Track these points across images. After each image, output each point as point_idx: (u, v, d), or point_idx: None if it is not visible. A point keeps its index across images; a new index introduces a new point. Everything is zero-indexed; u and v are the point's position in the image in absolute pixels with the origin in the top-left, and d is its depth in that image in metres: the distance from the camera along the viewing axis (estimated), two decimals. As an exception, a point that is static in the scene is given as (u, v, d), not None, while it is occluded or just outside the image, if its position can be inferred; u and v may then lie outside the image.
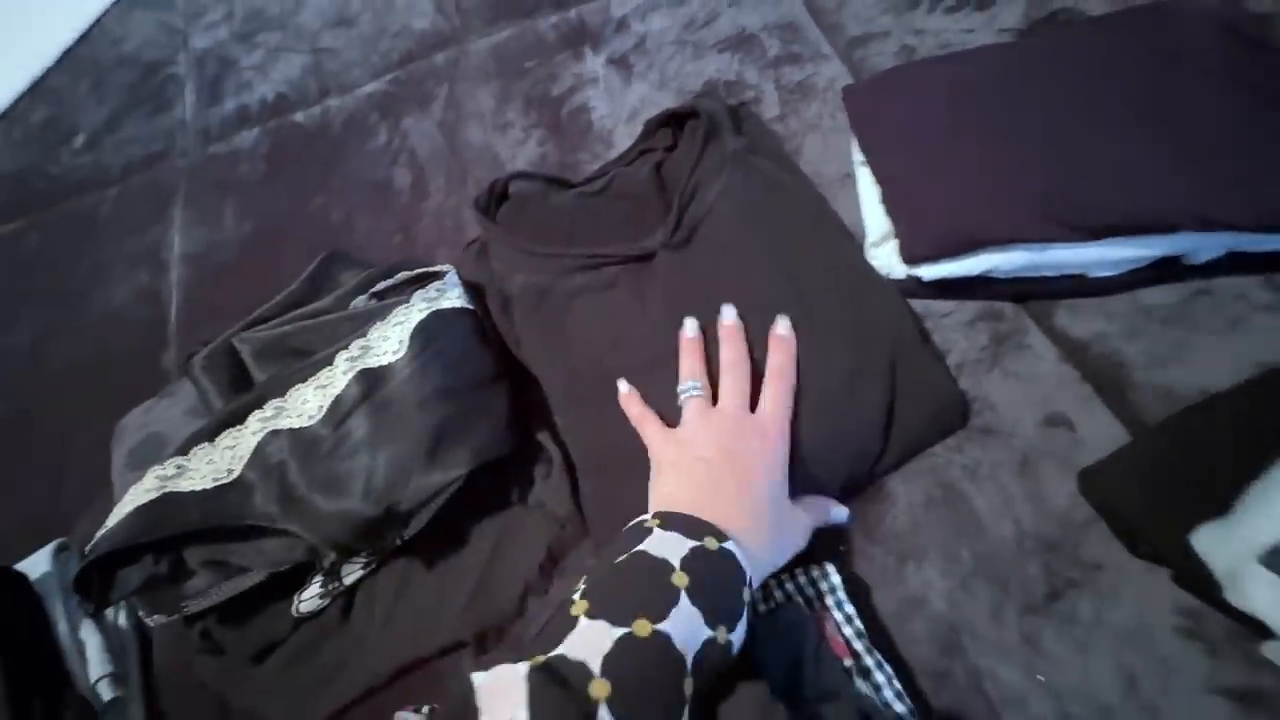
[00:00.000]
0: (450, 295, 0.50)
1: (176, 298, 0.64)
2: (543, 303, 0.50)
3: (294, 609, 0.45)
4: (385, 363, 0.45)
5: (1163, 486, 0.37)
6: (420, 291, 0.49)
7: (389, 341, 0.46)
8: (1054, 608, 0.38)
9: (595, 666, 0.27)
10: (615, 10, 0.69)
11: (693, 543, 0.32)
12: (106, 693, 0.44)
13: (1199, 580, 0.35)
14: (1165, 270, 0.44)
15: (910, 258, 0.45)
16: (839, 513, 0.41)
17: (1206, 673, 0.35)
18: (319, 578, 0.46)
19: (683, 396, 0.43)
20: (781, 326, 0.44)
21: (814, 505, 0.40)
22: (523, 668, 0.27)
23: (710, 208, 0.50)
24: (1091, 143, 0.43)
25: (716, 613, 0.30)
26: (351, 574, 0.46)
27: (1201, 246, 0.42)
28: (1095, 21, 0.51)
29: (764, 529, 0.36)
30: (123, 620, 0.49)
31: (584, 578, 0.33)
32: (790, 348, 0.43)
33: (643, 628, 0.28)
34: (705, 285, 0.47)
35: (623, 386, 0.45)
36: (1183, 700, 0.34)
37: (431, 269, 0.51)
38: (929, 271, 0.45)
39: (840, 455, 0.41)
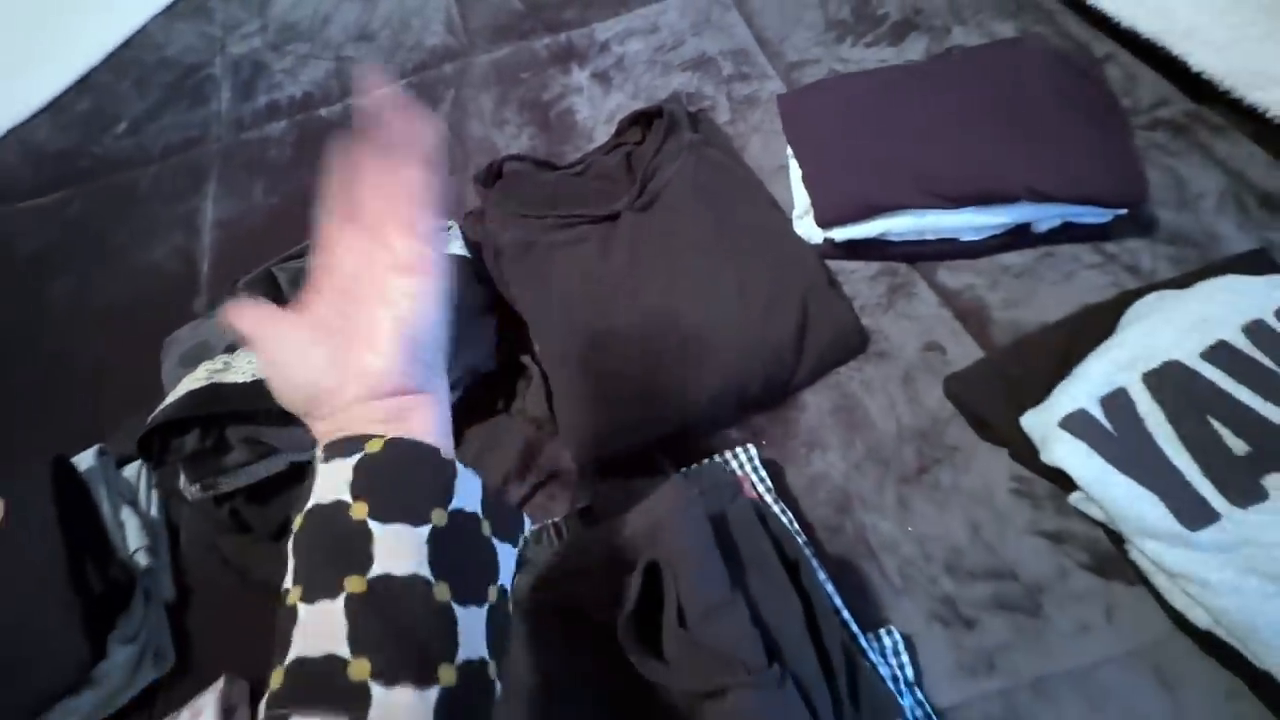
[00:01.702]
0: (454, 245, 0.60)
1: (209, 255, 0.73)
2: (528, 254, 0.60)
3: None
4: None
5: (1002, 385, 0.49)
6: (428, 240, 0.60)
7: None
8: (922, 479, 0.48)
9: (344, 650, 0.24)
10: (599, 35, 0.82)
11: (352, 460, 0.26)
12: (143, 560, 0.52)
13: (1026, 451, 0.46)
14: (1019, 238, 0.57)
15: (822, 223, 0.57)
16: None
17: (1031, 519, 0.45)
18: (332, 469, 0.54)
19: None
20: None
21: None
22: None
23: (668, 182, 0.62)
24: (955, 136, 0.56)
25: (421, 503, 0.26)
26: (359, 468, 0.55)
27: (1040, 216, 0.55)
28: (968, 50, 0.65)
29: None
30: (154, 510, 0.57)
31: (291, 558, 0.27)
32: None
33: (357, 584, 0.24)
34: (660, 240, 0.59)
35: None
36: (1012, 540, 0.45)
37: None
38: (838, 234, 0.57)
39: (757, 365, 0.52)
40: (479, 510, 0.28)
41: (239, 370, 0.52)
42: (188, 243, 0.75)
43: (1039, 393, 0.47)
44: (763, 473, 0.47)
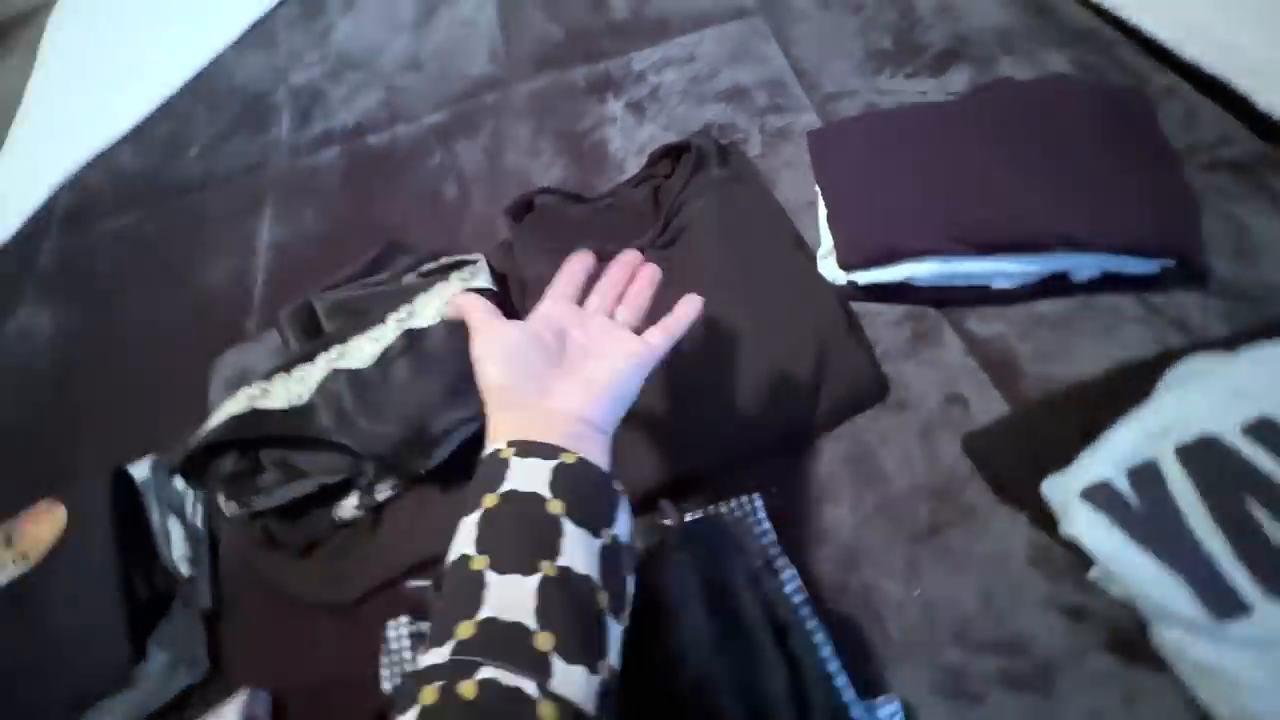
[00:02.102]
0: (480, 278, 0.62)
1: (261, 277, 0.78)
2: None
3: (335, 515, 0.56)
4: (425, 325, 0.58)
5: (1025, 446, 0.47)
6: (457, 273, 0.62)
7: (429, 309, 0.59)
8: (933, 540, 0.47)
9: (532, 622, 0.27)
10: (636, 65, 0.83)
11: (552, 463, 0.31)
12: (184, 568, 0.56)
13: (1046, 519, 0.44)
14: (1056, 286, 0.54)
15: (844, 265, 0.56)
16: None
17: (1048, 592, 0.43)
18: (357, 493, 0.57)
19: None
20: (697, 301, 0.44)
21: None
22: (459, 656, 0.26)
23: (691, 219, 0.62)
24: (987, 179, 0.54)
25: (598, 518, 0.31)
26: (382, 493, 0.57)
27: (1078, 265, 0.53)
28: (1008, 85, 0.62)
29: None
30: (199, 521, 0.61)
31: (461, 527, 0.31)
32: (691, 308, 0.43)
33: (550, 569, 0.28)
34: (679, 280, 0.58)
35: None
36: (1027, 612, 0.43)
37: (467, 257, 0.64)
38: (861, 277, 0.56)
39: (770, 412, 0.51)
40: (629, 541, 0.33)
41: (277, 396, 0.55)
42: (243, 265, 0.80)
43: (1064, 457, 0.44)
44: (766, 525, 0.47)
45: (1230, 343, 0.47)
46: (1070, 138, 0.54)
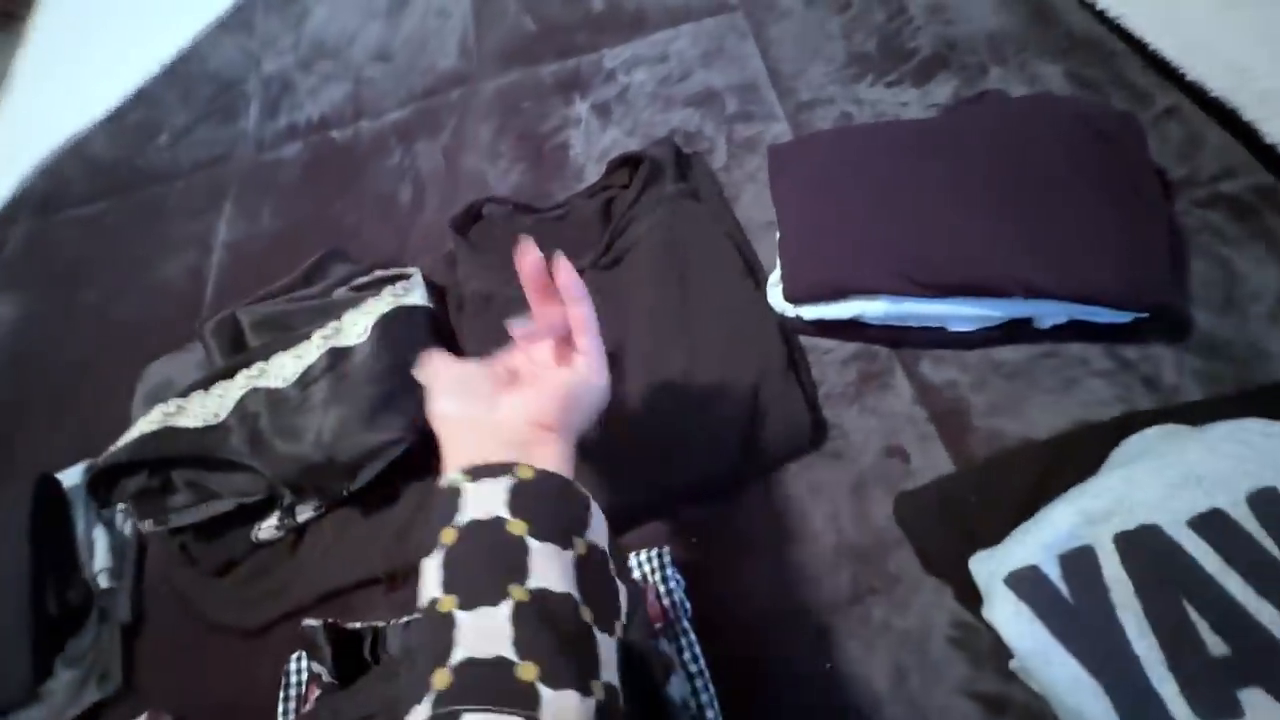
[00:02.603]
0: (414, 294, 0.60)
1: (214, 277, 0.77)
2: (487, 308, 0.59)
3: (253, 535, 0.55)
4: (351, 343, 0.56)
5: (959, 514, 0.43)
6: (390, 288, 0.60)
7: (357, 327, 0.57)
8: (852, 610, 0.43)
9: (511, 654, 0.25)
10: (607, 63, 0.79)
11: (506, 481, 0.30)
12: (104, 581, 0.56)
13: (973, 596, 0.40)
14: (1019, 330, 0.50)
15: (790, 298, 0.52)
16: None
17: (966, 677, 0.40)
18: (277, 513, 0.56)
19: None
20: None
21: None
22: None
23: (637, 239, 0.59)
24: (947, 217, 0.49)
25: (566, 530, 0.29)
26: (304, 514, 0.56)
27: (1041, 312, 0.48)
28: (987, 106, 0.57)
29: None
30: (129, 530, 0.60)
31: (425, 570, 0.29)
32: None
33: (521, 594, 0.27)
34: (616, 305, 0.55)
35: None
36: (941, 698, 0.40)
37: (402, 271, 0.61)
38: (807, 312, 0.52)
39: (696, 455, 0.48)
40: (607, 548, 0.31)
41: (192, 414, 0.54)
42: (199, 262, 0.78)
43: (998, 530, 0.41)
44: (673, 582, 0.44)
45: (1200, 411, 0.42)
46: (1046, 170, 0.49)
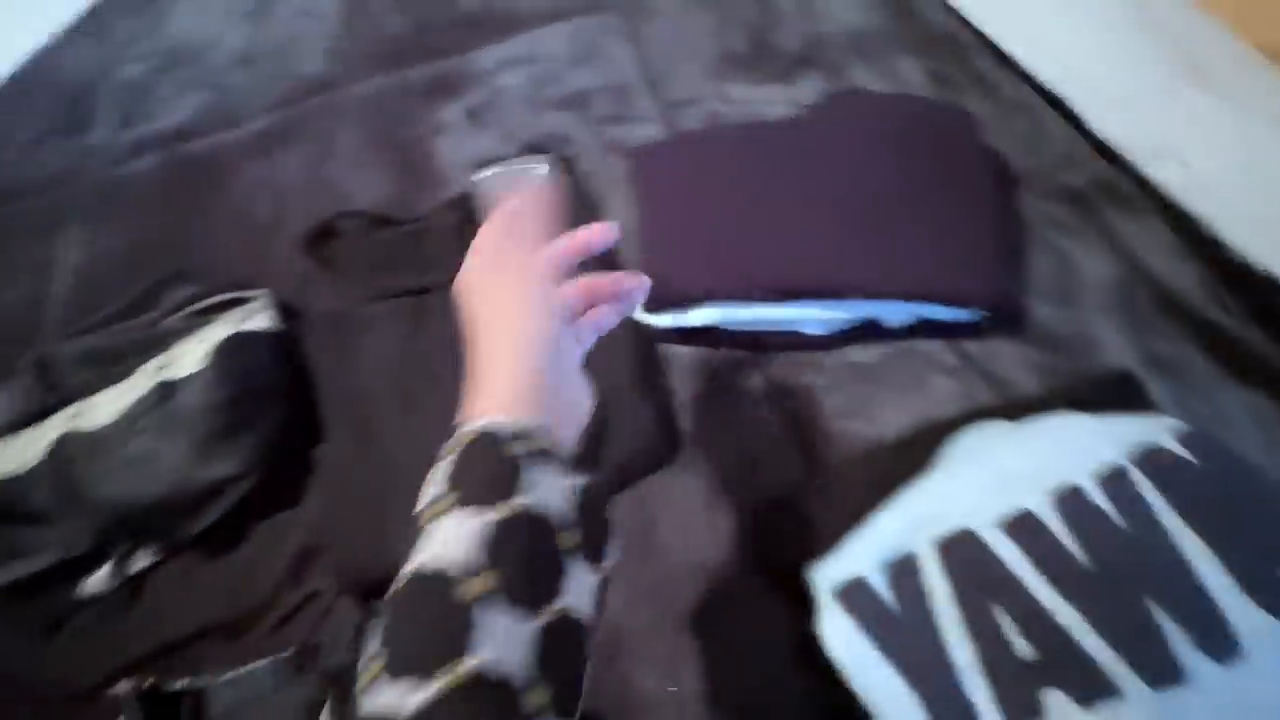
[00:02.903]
0: (258, 318, 0.56)
1: (56, 303, 0.71)
2: (337, 328, 0.56)
3: (78, 591, 0.51)
4: (182, 375, 0.51)
5: (803, 523, 0.42)
6: (228, 314, 0.56)
7: (188, 358, 0.52)
8: (701, 627, 0.42)
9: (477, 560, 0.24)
10: (479, 64, 0.76)
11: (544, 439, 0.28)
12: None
13: (812, 609, 0.39)
14: (872, 331, 0.49)
15: (644, 306, 0.51)
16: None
17: (813, 693, 0.39)
18: (109, 565, 0.51)
19: None
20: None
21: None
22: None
23: (494, 252, 0.56)
24: (793, 221, 0.48)
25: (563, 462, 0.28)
26: (139, 563, 0.52)
27: (887, 313, 0.48)
28: (836, 107, 0.56)
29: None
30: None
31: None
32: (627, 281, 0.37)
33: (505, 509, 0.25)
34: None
35: None
36: (784, 714, 0.39)
37: (244, 294, 0.57)
38: (659, 320, 0.51)
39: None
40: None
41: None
42: (39, 289, 0.72)
43: (840, 538, 0.40)
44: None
45: (1033, 405, 0.43)
46: (885, 172, 0.49)
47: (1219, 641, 0.30)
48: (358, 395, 0.53)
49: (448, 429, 0.49)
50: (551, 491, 0.27)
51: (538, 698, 0.23)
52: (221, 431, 0.50)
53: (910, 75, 0.63)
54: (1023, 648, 0.33)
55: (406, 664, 0.22)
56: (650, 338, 0.52)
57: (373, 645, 0.23)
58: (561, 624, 0.24)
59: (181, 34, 0.90)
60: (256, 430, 0.52)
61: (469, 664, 0.22)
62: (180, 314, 0.56)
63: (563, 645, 0.24)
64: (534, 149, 0.64)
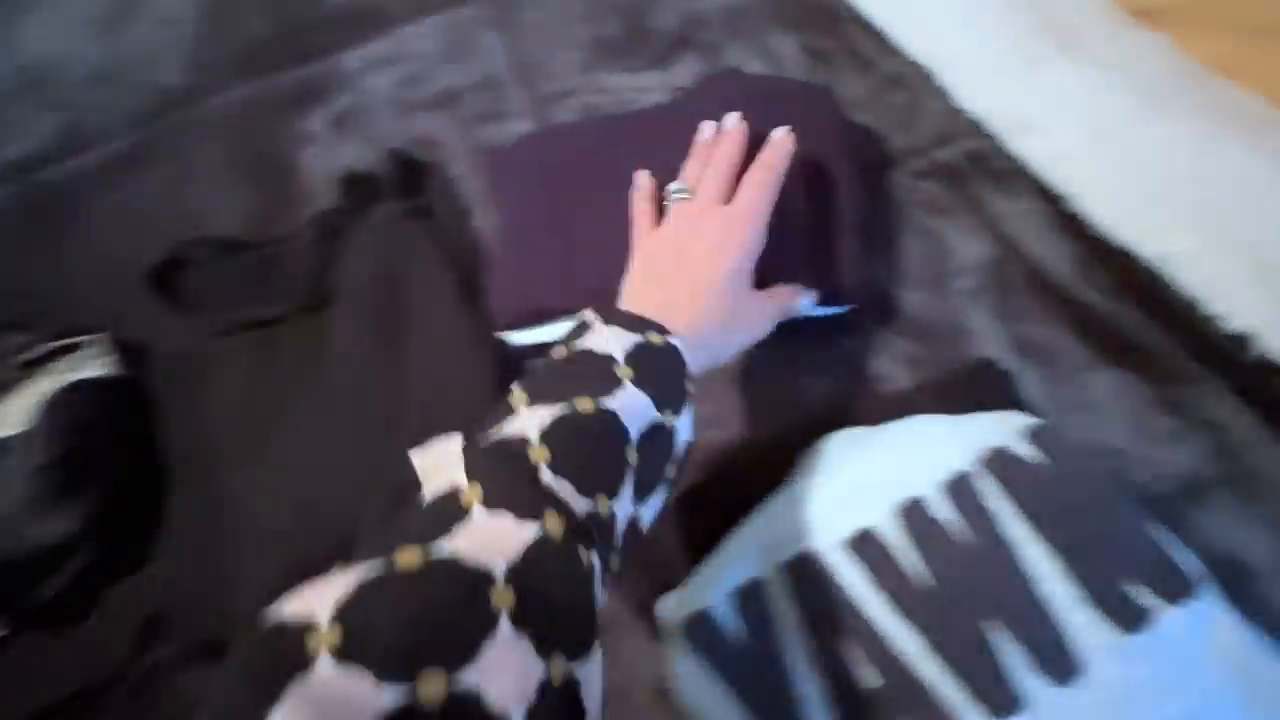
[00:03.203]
0: (92, 365, 0.52)
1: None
2: (182, 368, 0.52)
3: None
4: (5, 435, 0.47)
5: (658, 549, 0.39)
6: (60, 362, 0.52)
7: (13, 415, 0.48)
8: (562, 667, 0.40)
9: (534, 437, 0.26)
10: (346, 66, 0.71)
11: (636, 337, 0.31)
12: None
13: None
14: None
15: (497, 323, 0.47)
16: (805, 303, 0.42)
17: (670, 731, 0.37)
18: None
19: (671, 198, 0.41)
20: (780, 131, 0.41)
21: (779, 294, 0.40)
22: (456, 442, 0.27)
23: (345, 274, 0.53)
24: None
25: (664, 399, 0.30)
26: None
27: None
28: (693, 95, 0.52)
29: (712, 320, 0.35)
30: None
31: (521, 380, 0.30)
32: (784, 150, 0.40)
33: (585, 404, 0.28)
34: (319, 356, 0.49)
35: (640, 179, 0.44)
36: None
37: (77, 340, 0.53)
38: (515, 337, 0.48)
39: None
40: (687, 439, 0.33)
41: None
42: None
43: (695, 562, 0.38)
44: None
45: (899, 403, 0.41)
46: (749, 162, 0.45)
47: (1059, 663, 0.28)
48: (203, 442, 0.49)
49: (299, 477, 0.45)
50: (610, 339, 0.30)
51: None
52: (54, 493, 0.46)
53: (786, 52, 0.59)
54: (870, 677, 0.31)
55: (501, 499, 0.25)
56: (511, 355, 0.49)
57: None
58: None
59: (31, 52, 0.83)
60: (93, 489, 0.48)
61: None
62: (7, 365, 0.52)
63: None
64: (400, 156, 0.60)
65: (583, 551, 0.25)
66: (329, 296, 0.52)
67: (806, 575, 0.33)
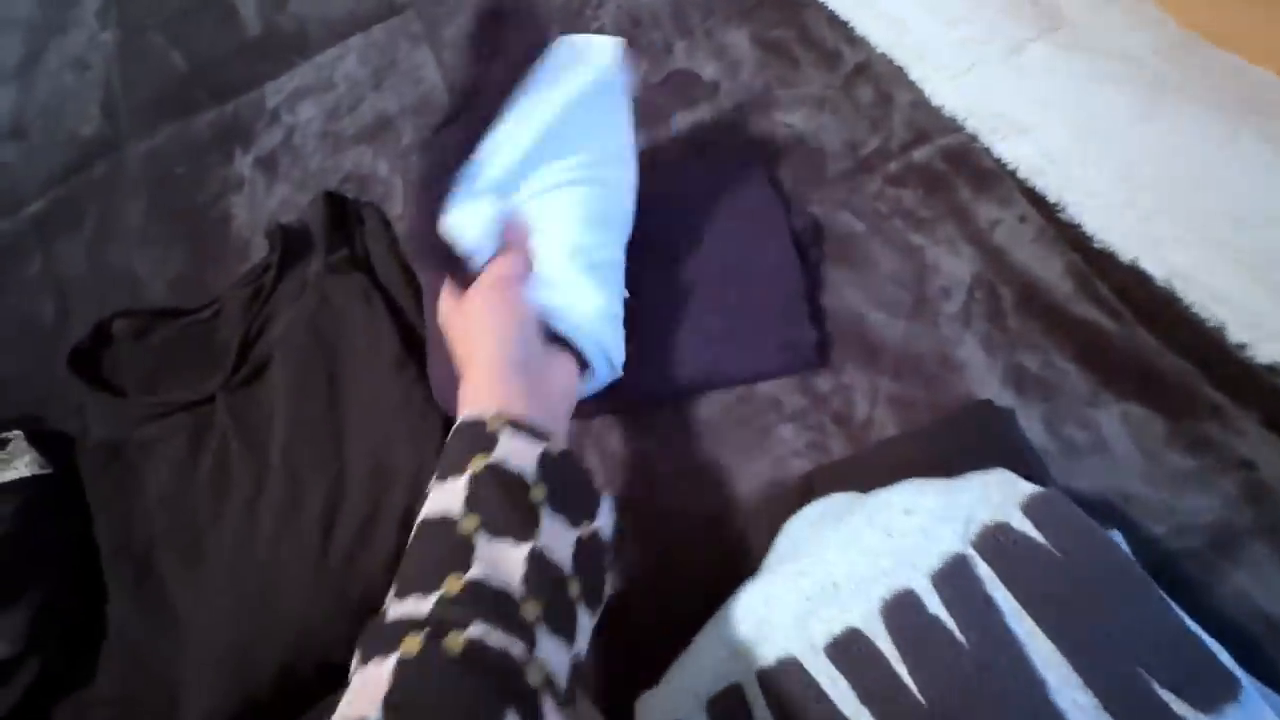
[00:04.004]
0: (16, 464, 0.48)
1: None
2: (112, 461, 0.48)
3: None
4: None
5: (629, 632, 0.36)
6: (-21, 465, 0.48)
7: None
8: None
9: (519, 590, 0.27)
10: (269, 101, 0.66)
11: (540, 447, 0.30)
12: None
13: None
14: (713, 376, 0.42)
15: (439, 399, 0.43)
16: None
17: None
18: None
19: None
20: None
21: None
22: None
23: (278, 340, 0.48)
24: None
25: (579, 511, 0.30)
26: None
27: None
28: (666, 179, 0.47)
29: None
30: None
31: (440, 490, 0.30)
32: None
33: (535, 544, 0.28)
34: (256, 432, 0.45)
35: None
36: None
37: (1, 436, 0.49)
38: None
39: (334, 631, 0.40)
40: (609, 539, 0.32)
41: None
42: None
43: (673, 651, 0.34)
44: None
45: (886, 455, 0.36)
46: (686, 250, 0.41)
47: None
48: (138, 543, 0.45)
49: (237, 579, 0.42)
50: (520, 454, 0.30)
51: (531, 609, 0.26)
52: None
53: (738, 46, 0.53)
54: (858, 802, 0.27)
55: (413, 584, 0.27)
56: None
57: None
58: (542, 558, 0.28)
59: (-59, 108, 0.78)
60: (25, 603, 0.44)
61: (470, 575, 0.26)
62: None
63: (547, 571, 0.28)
64: (330, 199, 0.55)
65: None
66: (262, 366, 0.48)
67: (788, 685, 0.29)
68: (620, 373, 0.39)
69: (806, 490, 0.37)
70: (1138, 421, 0.35)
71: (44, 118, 0.73)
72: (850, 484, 0.35)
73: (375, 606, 0.31)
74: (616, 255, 0.40)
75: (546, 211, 0.37)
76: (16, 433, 0.49)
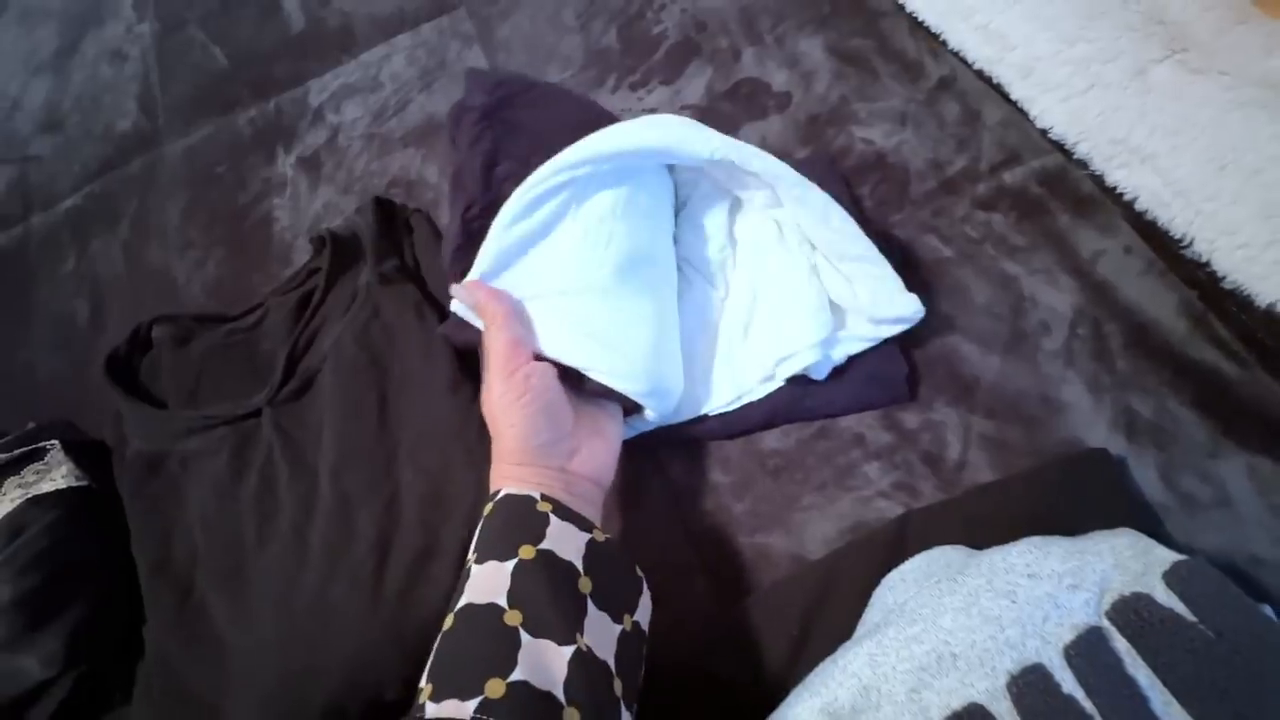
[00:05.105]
0: (54, 475, 0.46)
1: None
2: (152, 476, 0.46)
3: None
4: (-40, 568, 0.42)
5: (707, 692, 0.33)
6: (15, 478, 0.46)
7: (-33, 541, 0.43)
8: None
9: (560, 695, 0.26)
10: (313, 99, 0.63)
11: (586, 536, 0.31)
12: None
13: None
14: (788, 407, 0.40)
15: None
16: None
17: None
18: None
19: None
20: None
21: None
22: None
23: (327, 353, 0.46)
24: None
25: (621, 604, 0.30)
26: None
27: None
28: None
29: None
30: None
31: (484, 572, 0.29)
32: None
33: (580, 643, 0.28)
34: (303, 451, 0.43)
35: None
36: None
37: (33, 447, 0.47)
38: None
39: (385, 662, 0.37)
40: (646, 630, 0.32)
41: None
42: None
43: (757, 708, 0.32)
44: None
45: (985, 502, 0.34)
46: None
47: None
48: (177, 562, 0.43)
49: (281, 610, 0.40)
50: (568, 542, 0.30)
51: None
52: (27, 628, 0.41)
53: (812, 55, 0.51)
54: None
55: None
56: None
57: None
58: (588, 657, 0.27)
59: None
60: (63, 622, 0.43)
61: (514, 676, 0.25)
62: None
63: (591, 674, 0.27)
64: (378, 205, 0.53)
65: None
66: (309, 380, 0.46)
67: (897, 759, 0.27)
68: (676, 402, 0.37)
69: (899, 537, 0.35)
70: (1266, 476, 0.33)
71: (79, 111, 0.71)
72: (949, 533, 0.33)
73: (429, 646, 0.30)
74: (654, 287, 0.38)
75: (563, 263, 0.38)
76: (53, 443, 0.47)
